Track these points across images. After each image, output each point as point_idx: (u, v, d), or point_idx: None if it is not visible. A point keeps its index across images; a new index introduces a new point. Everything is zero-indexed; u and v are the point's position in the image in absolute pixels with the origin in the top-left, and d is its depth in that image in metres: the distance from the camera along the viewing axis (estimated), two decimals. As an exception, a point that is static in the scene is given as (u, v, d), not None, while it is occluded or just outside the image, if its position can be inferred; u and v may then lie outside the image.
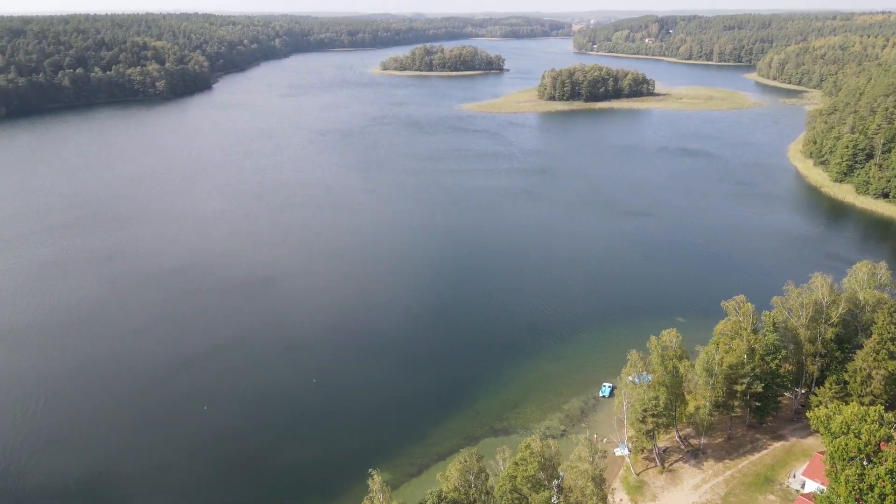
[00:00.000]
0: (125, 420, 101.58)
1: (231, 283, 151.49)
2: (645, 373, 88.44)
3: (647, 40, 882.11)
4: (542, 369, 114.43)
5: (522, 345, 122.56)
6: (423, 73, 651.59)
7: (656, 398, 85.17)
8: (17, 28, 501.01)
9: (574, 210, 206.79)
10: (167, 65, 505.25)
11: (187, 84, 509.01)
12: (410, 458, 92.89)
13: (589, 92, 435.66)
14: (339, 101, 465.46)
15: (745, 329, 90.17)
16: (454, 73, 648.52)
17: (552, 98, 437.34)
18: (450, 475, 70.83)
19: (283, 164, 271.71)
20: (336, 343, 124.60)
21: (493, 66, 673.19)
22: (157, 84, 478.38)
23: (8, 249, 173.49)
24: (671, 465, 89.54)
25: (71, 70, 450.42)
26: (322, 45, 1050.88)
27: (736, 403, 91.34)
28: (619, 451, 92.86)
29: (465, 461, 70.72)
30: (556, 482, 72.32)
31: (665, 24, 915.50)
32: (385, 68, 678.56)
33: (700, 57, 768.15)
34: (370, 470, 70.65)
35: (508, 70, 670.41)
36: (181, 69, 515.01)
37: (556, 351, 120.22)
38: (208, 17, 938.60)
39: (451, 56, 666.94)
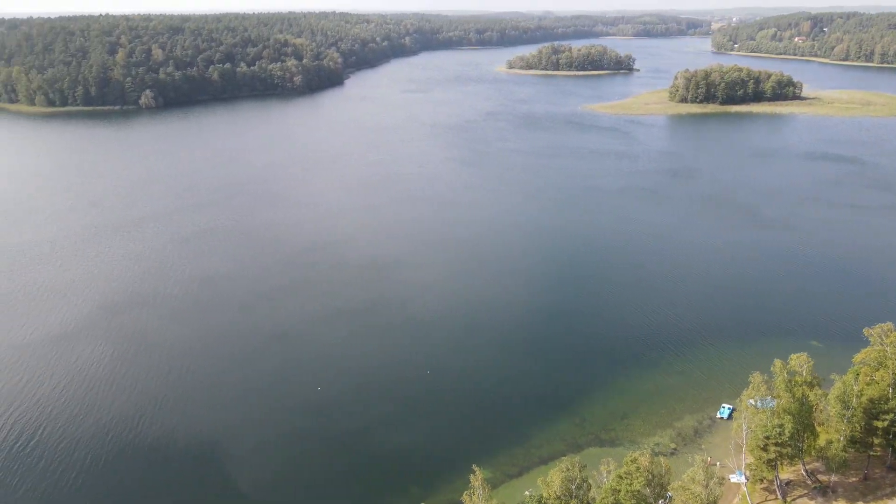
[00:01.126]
0: (243, 390, 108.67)
1: (351, 272, 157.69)
2: (769, 397, 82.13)
3: (796, 39, 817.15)
4: (654, 382, 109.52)
5: (634, 354, 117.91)
6: (549, 72, 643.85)
7: (781, 426, 78.77)
8: (176, 26, 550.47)
9: (701, 216, 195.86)
10: (304, 61, 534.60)
11: (321, 79, 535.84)
12: (512, 459, 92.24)
13: (725, 94, 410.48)
14: (461, 97, 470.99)
15: (892, 360, 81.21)
16: (581, 73, 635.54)
17: (684, 100, 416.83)
18: (551, 481, 69.60)
19: (403, 157, 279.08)
20: (448, 335, 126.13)
21: (621, 66, 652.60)
22: (294, 79, 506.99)
23: (156, 223, 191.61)
24: (794, 499, 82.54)
25: (220, 65, 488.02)
26: (450, 44, 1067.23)
27: (875, 441, 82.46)
28: (734, 478, 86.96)
29: (568, 469, 69.18)
30: (661, 502, 69.02)
31: (819, 22, 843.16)
32: (510, 67, 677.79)
33: (858, 58, 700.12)
34: (473, 466, 71.13)
35: (638, 70, 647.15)
36: (317, 65, 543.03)
37: (672, 364, 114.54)
38: (344, 16, 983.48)
39: (579, 55, 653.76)
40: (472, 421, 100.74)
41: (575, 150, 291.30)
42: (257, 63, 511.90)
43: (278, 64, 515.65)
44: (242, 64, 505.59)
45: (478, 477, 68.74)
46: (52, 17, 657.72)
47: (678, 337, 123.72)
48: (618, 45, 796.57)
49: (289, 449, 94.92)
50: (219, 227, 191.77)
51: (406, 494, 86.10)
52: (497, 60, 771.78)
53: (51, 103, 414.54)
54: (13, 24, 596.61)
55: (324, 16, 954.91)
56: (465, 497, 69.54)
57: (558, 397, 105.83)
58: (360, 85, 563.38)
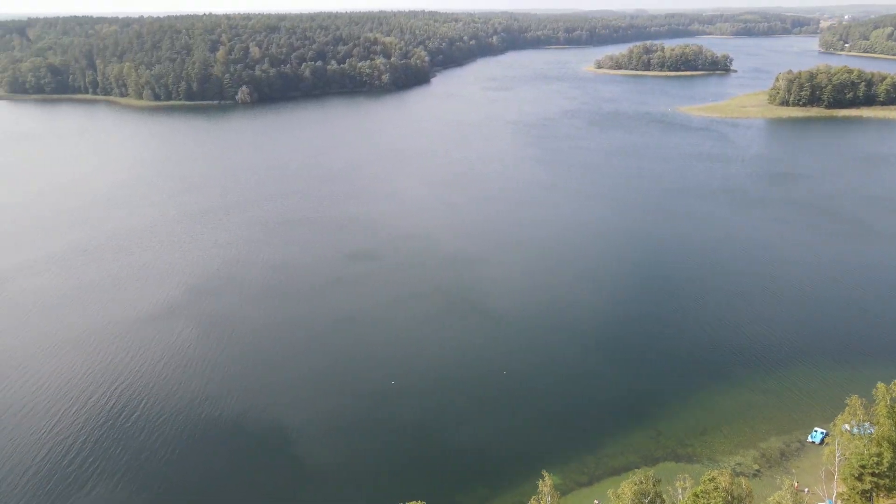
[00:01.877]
0: (319, 378, 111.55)
1: (431, 268, 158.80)
2: (868, 424, 76.04)
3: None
4: (739, 399, 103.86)
5: (719, 368, 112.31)
6: (639, 72, 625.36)
7: (879, 455, 72.78)
8: (273, 25, 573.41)
9: (802, 225, 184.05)
10: (392, 59, 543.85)
11: (408, 77, 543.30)
12: (582, 467, 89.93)
13: (832, 97, 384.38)
14: (544, 96, 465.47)
15: None
16: (673, 74, 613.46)
17: (785, 103, 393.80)
18: (622, 493, 67.25)
19: (484, 154, 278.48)
20: (524, 335, 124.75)
21: (717, 67, 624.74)
22: (382, 77, 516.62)
23: (246, 211, 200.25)
24: (891, 536, 76.08)
25: (312, 62, 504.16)
26: (538, 42, 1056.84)
27: None
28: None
29: (641, 482, 66.64)
30: (742, 526, 65.25)
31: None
32: (599, 67, 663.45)
33: None
34: (542, 471, 69.85)
35: (736, 71, 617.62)
36: (404, 63, 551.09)
37: (760, 382, 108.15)
38: (433, 15, 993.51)
39: (672, 55, 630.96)
40: (544, 424, 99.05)
41: (662, 151, 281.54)
42: (347, 61, 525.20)
43: (367, 62, 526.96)
44: (333, 62, 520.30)
45: (546, 482, 67.41)
46: (161, 16, 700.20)
47: (769, 354, 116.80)
48: (714, 45, 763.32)
49: (359, 437, 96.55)
50: (304, 217, 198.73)
51: (472, 493, 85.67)
52: (585, 60, 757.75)
53: (156, 97, 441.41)
54: (126, 23, 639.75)
55: (413, 14, 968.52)
56: (532, 501, 68.33)
57: (634, 407, 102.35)
58: (446, 83, 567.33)
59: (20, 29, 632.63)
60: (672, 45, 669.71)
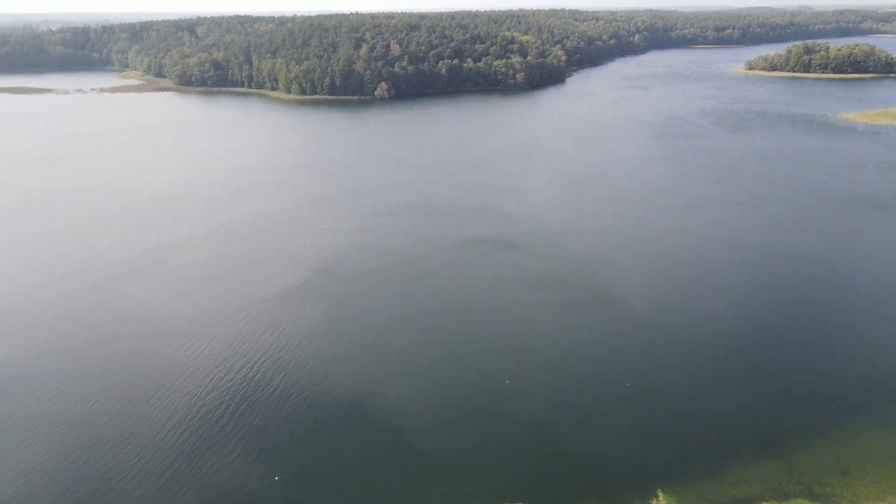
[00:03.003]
0: (433, 370, 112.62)
1: (557, 267, 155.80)
2: None
3: None
4: (890, 439, 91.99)
5: (865, 402, 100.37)
6: (798, 74, 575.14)
7: None
8: (414, 23, 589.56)
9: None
10: (528, 58, 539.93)
11: (543, 77, 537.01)
12: (701, 492, 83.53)
13: None
14: (683, 96, 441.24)
15: None
16: (837, 76, 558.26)
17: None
18: (743, 527, 61.43)
19: (613, 155, 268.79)
20: (651, 347, 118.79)
21: (892, 69, 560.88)
22: (517, 76, 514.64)
23: (377, 199, 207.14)
24: None
25: (448, 60, 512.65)
26: (684, 42, 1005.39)
27: None
28: None
29: (766, 517, 60.51)
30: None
31: None
32: (750, 68, 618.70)
33: None
34: (658, 490, 65.68)
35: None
36: (540, 62, 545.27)
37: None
38: (573, 13, 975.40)
39: (837, 56, 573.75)
40: (664, 441, 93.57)
41: (814, 158, 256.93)
42: (483, 59, 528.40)
43: (503, 60, 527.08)
44: (469, 60, 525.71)
45: (661, 502, 63.16)
46: (312, 15, 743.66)
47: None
48: (891, 45, 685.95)
49: (467, 433, 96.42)
50: (431, 207, 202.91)
51: (580, 502, 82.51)
52: (735, 60, 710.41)
53: (303, 92, 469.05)
54: (281, 22, 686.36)
55: (553, 13, 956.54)
56: (641, 521, 64.42)
57: (763, 434, 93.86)
58: (582, 83, 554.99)
59: (190, 27, 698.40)
60: (839, 45, 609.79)
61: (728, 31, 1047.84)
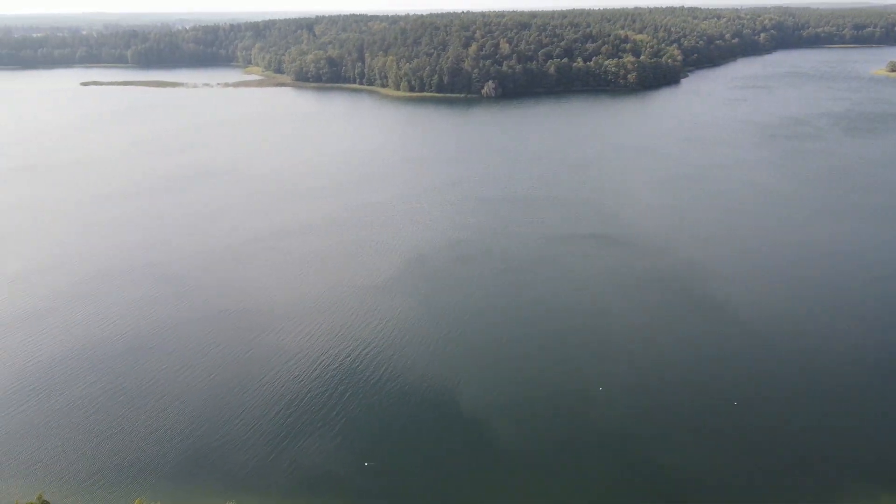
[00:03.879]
0: (524, 370, 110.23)
1: (659, 270, 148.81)
2: None
3: None
4: None
5: None
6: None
7: None
8: (525, 22, 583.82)
9: None
10: (641, 57, 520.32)
11: (656, 77, 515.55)
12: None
13: None
14: (809, 98, 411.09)
15: None
16: None
17: None
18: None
19: (723, 159, 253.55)
20: (765, 365, 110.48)
21: None
22: (628, 76, 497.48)
23: (480, 193, 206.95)
24: None
25: (558, 59, 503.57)
26: (816, 41, 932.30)
27: None
28: None
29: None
30: None
31: None
32: (893, 69, 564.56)
33: None
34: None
35: None
36: (654, 62, 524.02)
37: None
38: (693, 11, 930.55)
39: None
40: (774, 476, 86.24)
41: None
42: (593, 59, 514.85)
43: (614, 60, 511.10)
44: (579, 59, 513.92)
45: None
46: (424, 14, 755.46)
47: None
48: None
49: (552, 435, 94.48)
50: (532, 204, 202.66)
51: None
52: (876, 61, 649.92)
53: (411, 89, 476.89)
54: (394, 21, 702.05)
55: (670, 11, 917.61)
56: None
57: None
58: (698, 84, 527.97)
59: (309, 25, 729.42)
60: None
61: (868, 29, 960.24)
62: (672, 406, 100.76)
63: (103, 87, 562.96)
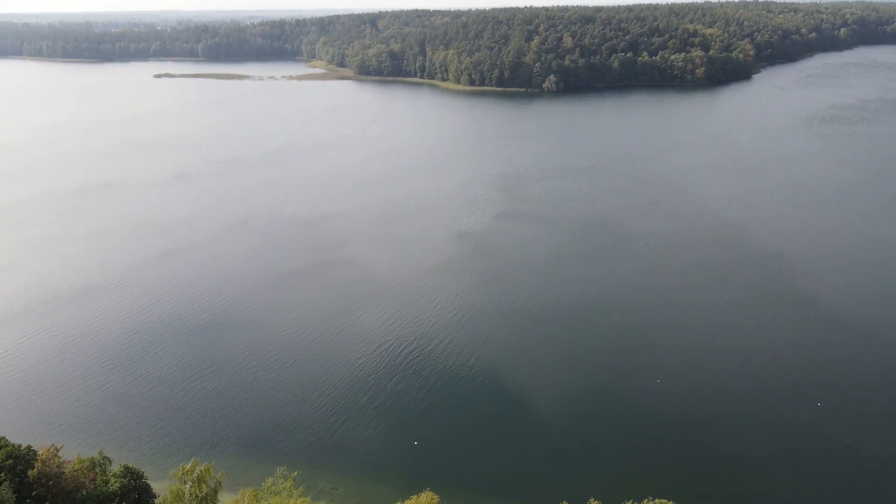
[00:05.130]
0: (584, 360, 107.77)
1: (746, 261, 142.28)
2: None
3: None
4: None
5: None
6: None
7: None
8: (589, 16, 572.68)
9: None
10: (711, 52, 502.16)
11: (726, 73, 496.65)
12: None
13: None
14: (882, 89, 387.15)
15: None
16: None
17: None
18: None
19: (792, 153, 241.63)
20: (840, 367, 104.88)
21: None
22: (696, 71, 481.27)
23: (537, 182, 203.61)
24: None
25: (622, 54, 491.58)
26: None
27: None
28: None
29: None
30: None
31: None
32: None
33: None
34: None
35: None
36: (724, 57, 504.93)
37: None
38: (767, 5, 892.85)
39: None
40: (845, 477, 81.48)
41: None
42: (659, 53, 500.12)
43: (682, 54, 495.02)
44: (645, 53, 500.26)
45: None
46: (486, 8, 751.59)
47: None
48: None
49: (607, 426, 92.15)
50: (586, 198, 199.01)
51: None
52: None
53: (472, 82, 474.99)
54: (456, 15, 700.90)
55: (743, 5, 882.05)
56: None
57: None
58: (771, 79, 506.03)
59: (372, 20, 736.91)
60: None
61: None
62: (734, 401, 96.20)
63: (175, 78, 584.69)
